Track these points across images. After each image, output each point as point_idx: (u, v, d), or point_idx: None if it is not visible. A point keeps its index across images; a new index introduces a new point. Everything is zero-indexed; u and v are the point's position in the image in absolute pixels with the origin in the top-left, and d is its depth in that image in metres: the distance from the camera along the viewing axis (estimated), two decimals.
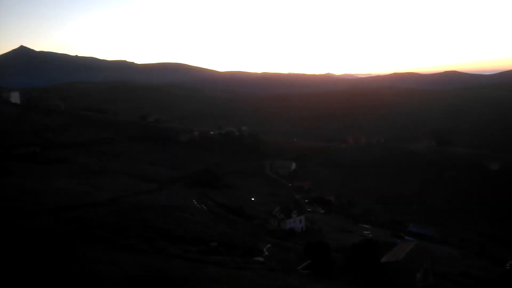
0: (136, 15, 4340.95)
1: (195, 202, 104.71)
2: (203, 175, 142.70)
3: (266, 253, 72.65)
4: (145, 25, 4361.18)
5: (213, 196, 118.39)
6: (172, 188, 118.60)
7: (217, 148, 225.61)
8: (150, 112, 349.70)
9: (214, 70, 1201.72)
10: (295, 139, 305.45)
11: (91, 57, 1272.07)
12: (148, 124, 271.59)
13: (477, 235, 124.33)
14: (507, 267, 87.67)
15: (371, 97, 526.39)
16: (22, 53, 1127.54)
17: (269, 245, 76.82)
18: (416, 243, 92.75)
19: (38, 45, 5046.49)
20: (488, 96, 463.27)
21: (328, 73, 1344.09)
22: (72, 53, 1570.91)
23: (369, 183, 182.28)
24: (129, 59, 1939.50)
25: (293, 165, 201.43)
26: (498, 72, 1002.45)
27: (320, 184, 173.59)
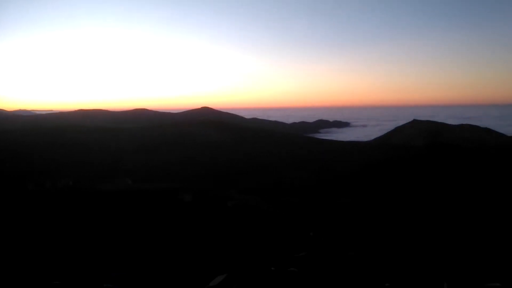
0: None
1: None
2: None
3: None
4: None
5: None
6: None
7: None
8: None
9: None
10: None
11: None
12: None
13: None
14: None
15: (54, 136, 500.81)
16: None
17: None
18: None
19: None
20: (177, 132, 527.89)
21: None
22: None
23: (53, 235, 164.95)
24: None
25: None
26: (183, 110, 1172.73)
27: None
